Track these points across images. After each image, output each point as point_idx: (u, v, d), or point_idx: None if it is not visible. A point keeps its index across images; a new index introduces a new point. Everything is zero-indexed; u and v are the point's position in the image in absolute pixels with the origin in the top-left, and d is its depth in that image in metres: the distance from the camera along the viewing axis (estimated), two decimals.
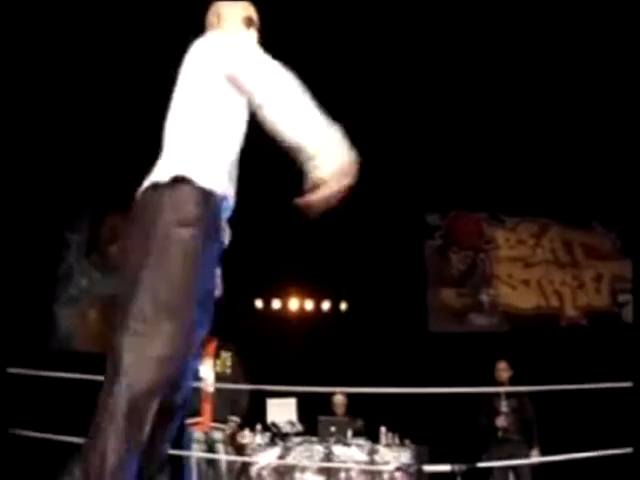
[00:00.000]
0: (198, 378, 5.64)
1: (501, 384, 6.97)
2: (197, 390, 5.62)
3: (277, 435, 6.83)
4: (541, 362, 7.47)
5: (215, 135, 2.16)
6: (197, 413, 5.83)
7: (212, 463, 5.90)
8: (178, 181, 2.00)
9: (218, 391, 5.88)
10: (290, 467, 6.66)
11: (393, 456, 6.85)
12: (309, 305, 9.11)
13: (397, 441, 6.96)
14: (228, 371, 6.09)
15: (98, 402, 1.88)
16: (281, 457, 6.67)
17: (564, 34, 6.54)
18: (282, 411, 6.97)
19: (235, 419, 6.09)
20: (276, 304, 9.10)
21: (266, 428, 6.86)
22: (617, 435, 5.88)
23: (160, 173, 2.05)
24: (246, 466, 6.68)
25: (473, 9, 6.27)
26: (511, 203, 8.37)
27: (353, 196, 2.18)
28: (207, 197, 2.03)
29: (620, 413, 7.20)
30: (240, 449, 6.84)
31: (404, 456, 6.86)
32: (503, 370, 7.03)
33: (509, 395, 6.91)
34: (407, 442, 6.87)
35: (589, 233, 8.94)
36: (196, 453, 5.69)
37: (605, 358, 7.67)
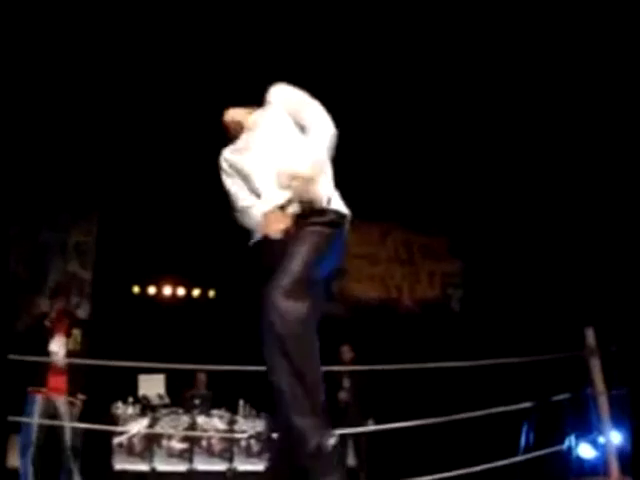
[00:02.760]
0: (48, 352, 5.85)
1: (344, 364, 7.87)
2: (46, 363, 5.86)
3: (147, 407, 7.54)
4: (381, 344, 8.25)
5: None
6: (42, 383, 5.91)
7: (53, 429, 5.95)
8: None
9: (69, 366, 6.01)
10: (158, 435, 7.41)
11: (249, 426, 7.79)
12: (181, 292, 9.71)
13: (254, 413, 7.88)
14: (78, 347, 6.18)
15: None
16: (150, 426, 7.40)
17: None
18: (152, 386, 7.59)
19: (82, 397, 6.18)
20: (151, 290, 9.64)
21: (137, 400, 7.54)
22: (439, 407, 6.77)
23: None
24: (119, 434, 7.38)
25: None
26: (360, 208, 9.23)
27: (225, 192, 2.85)
28: None
29: (448, 389, 8.20)
30: (112, 419, 7.50)
31: (259, 425, 7.80)
32: (347, 352, 7.99)
33: (351, 373, 7.78)
34: (263, 414, 7.76)
35: (425, 237, 10.13)
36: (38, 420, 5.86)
37: (435, 340, 8.73)
